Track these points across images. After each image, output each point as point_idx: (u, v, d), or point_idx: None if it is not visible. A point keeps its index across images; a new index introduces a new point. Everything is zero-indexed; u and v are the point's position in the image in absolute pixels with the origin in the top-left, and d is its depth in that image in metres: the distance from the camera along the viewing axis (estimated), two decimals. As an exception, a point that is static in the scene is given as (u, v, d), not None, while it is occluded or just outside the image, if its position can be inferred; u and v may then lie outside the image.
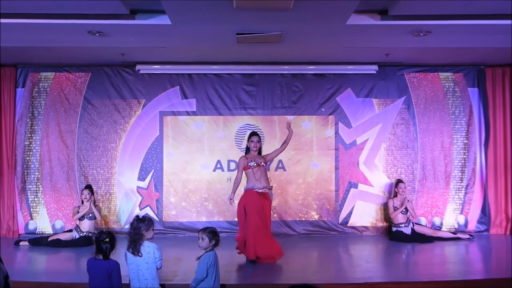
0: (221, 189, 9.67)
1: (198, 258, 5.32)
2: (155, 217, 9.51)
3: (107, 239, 5.12)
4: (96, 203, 9.10)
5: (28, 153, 9.67)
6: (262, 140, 7.90)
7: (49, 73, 9.76)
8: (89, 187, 9.08)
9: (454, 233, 9.33)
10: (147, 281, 5.15)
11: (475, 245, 8.82)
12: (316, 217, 9.78)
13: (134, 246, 5.24)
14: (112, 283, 5.05)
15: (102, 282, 5.06)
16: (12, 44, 7.77)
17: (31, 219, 9.58)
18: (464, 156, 9.89)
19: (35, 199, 9.63)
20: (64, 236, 8.77)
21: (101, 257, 5.12)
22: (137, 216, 5.44)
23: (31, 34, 7.41)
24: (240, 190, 7.51)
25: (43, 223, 9.59)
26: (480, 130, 9.92)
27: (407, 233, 9.06)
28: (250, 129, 9.52)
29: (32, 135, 9.70)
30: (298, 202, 9.75)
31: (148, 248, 5.22)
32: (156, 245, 5.31)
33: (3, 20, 6.66)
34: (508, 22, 6.83)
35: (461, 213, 9.82)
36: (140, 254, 5.20)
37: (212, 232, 5.36)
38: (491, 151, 9.82)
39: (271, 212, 7.73)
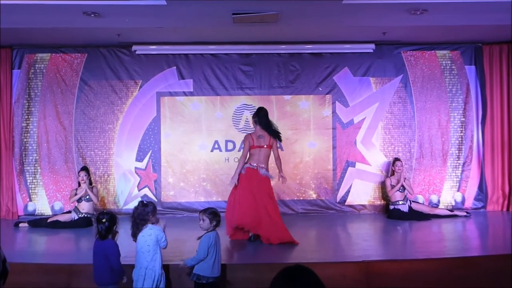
0: (219, 169, 9.70)
1: (199, 238, 5.34)
2: (154, 198, 9.55)
3: (104, 220, 5.16)
4: (93, 185, 9.12)
5: (25, 134, 9.66)
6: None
7: (45, 54, 9.71)
8: (85, 168, 9.09)
9: (451, 210, 9.40)
10: (148, 263, 5.16)
11: (472, 222, 8.88)
12: (314, 196, 9.82)
13: (135, 231, 5.25)
14: (110, 263, 5.10)
15: (102, 262, 5.12)
16: (7, 26, 7.69)
17: (30, 200, 9.61)
18: (461, 134, 9.91)
19: (34, 180, 9.65)
20: (63, 218, 8.79)
21: (98, 237, 5.19)
22: (142, 202, 5.44)
23: (26, 15, 7.35)
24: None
25: (42, 205, 9.62)
26: (477, 108, 9.93)
27: (405, 211, 9.11)
28: (248, 109, 9.55)
29: (29, 116, 9.68)
30: (296, 181, 9.78)
31: (150, 230, 5.22)
32: (159, 227, 5.32)
33: (-2, 2, 6.63)
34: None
35: (458, 191, 9.88)
36: (135, 240, 5.23)
37: (212, 213, 5.37)
38: (488, 129, 9.84)
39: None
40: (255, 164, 7.34)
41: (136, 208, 5.31)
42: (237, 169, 7.50)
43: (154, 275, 5.15)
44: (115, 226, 5.24)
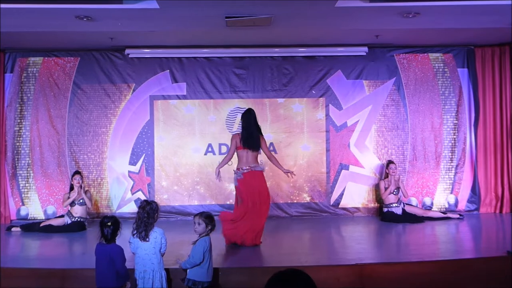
0: (212, 172, 9.58)
1: (194, 243, 5.31)
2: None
3: (109, 223, 5.17)
4: (86, 189, 9.08)
5: (18, 139, 9.62)
6: None
7: (37, 58, 9.68)
8: (79, 172, 9.04)
9: (444, 212, 9.40)
10: (154, 265, 5.18)
11: (465, 224, 8.89)
12: (308, 199, 9.83)
13: (146, 231, 5.21)
14: (115, 267, 5.09)
15: (106, 266, 5.10)
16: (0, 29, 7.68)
17: (23, 204, 9.56)
18: (454, 136, 9.94)
19: (26, 184, 9.61)
20: (56, 222, 8.74)
21: (104, 241, 5.17)
22: (146, 201, 5.40)
23: (18, 19, 7.32)
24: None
25: (34, 209, 9.57)
26: (470, 110, 9.96)
27: (398, 213, 9.12)
28: (241, 113, 9.42)
29: (22, 120, 9.65)
30: (289, 184, 9.77)
31: (155, 233, 5.24)
32: (162, 230, 5.33)
33: (-11, 6, 6.60)
34: (496, 2, 6.83)
35: (451, 193, 9.90)
36: (148, 239, 5.20)
37: (208, 217, 5.35)
38: (481, 131, 9.88)
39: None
40: (247, 167, 7.27)
41: (142, 208, 5.27)
42: (219, 165, 7.53)
43: (162, 278, 5.19)
44: (118, 230, 5.24)
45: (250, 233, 7.15)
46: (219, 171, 7.45)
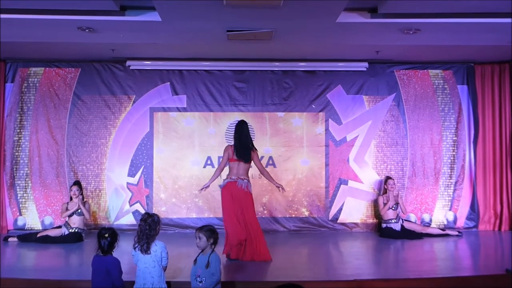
0: (211, 185, 9.58)
1: (207, 264, 5.07)
2: (145, 214, 9.48)
3: (107, 235, 5.14)
4: (85, 200, 9.05)
5: (17, 148, 9.61)
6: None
7: (38, 68, 9.69)
8: (78, 183, 9.03)
9: (443, 229, 9.38)
10: (153, 279, 5.11)
11: (464, 241, 8.87)
12: (306, 213, 9.80)
13: (147, 244, 5.16)
14: (112, 279, 5.06)
15: (102, 278, 5.07)
16: (1, 39, 7.69)
17: (20, 215, 9.52)
18: (453, 153, 9.94)
19: (24, 194, 9.58)
20: (53, 232, 8.71)
21: (101, 253, 5.15)
22: (148, 213, 5.35)
23: (20, 29, 7.36)
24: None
25: (32, 219, 9.53)
26: (469, 127, 9.97)
27: (397, 229, 9.10)
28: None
29: (21, 130, 9.64)
30: (288, 198, 9.74)
31: (156, 246, 5.19)
32: (163, 243, 5.27)
33: (-8, 16, 6.63)
34: (496, 20, 6.88)
35: (450, 210, 9.87)
36: (149, 252, 5.15)
37: (209, 231, 5.19)
38: (480, 148, 9.88)
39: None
40: (234, 177, 7.24)
41: (144, 220, 5.22)
42: (210, 179, 7.58)
43: None
44: (116, 242, 5.22)
45: (248, 246, 7.11)
46: (209, 185, 7.56)
